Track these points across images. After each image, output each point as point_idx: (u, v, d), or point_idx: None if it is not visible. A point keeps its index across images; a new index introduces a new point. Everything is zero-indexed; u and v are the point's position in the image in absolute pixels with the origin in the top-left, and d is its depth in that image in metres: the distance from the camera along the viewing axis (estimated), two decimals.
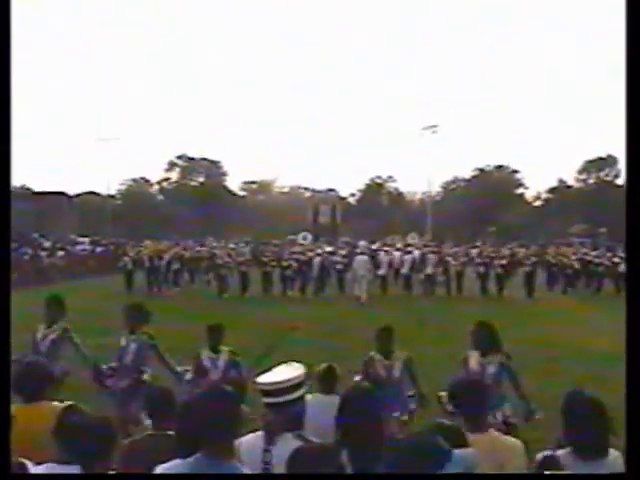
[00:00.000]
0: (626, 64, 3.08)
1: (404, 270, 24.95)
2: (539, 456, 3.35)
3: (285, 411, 3.26)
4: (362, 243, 30.76)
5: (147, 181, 74.69)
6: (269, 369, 3.47)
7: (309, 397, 4.79)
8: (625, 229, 3.04)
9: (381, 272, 24.54)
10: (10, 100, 3.38)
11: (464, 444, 2.94)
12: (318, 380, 4.92)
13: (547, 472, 3.16)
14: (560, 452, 3.26)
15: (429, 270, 24.42)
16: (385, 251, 26.34)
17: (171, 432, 3.83)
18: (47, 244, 36.65)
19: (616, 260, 25.26)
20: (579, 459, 3.19)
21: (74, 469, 3.02)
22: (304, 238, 42.36)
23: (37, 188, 58.42)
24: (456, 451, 2.31)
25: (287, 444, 3.11)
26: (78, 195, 66.87)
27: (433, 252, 25.48)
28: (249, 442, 3.26)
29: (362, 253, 24.28)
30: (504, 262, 24.19)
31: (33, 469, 3.16)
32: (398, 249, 27.29)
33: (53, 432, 3.24)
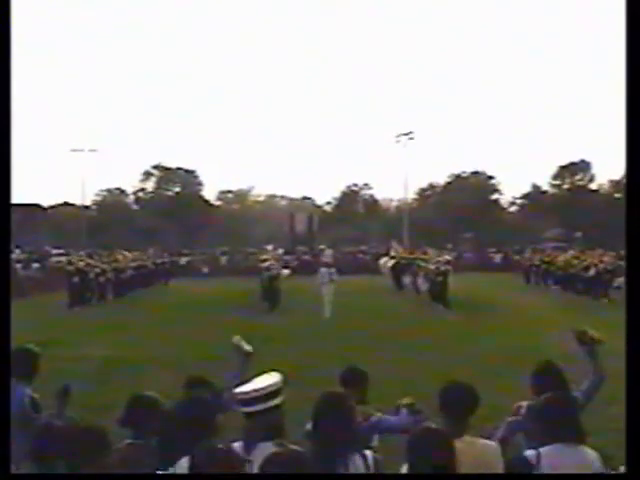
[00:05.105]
0: (626, 64, 3.12)
1: None
2: (528, 453, 3.36)
3: (264, 419, 3.24)
4: (328, 252, 30.19)
5: (122, 191, 73.95)
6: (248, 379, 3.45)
7: None
8: (625, 229, 3.07)
9: None
10: (10, 100, 3.33)
11: (451, 449, 2.93)
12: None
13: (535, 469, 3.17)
14: (543, 449, 3.26)
15: None
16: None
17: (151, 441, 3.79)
18: (22, 256, 36.18)
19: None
20: (563, 449, 3.23)
21: None
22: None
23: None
24: None
25: (267, 453, 3.02)
26: (52, 207, 66.19)
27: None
28: None
29: (327, 263, 23.59)
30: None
31: None
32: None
33: (36, 438, 3.21)
